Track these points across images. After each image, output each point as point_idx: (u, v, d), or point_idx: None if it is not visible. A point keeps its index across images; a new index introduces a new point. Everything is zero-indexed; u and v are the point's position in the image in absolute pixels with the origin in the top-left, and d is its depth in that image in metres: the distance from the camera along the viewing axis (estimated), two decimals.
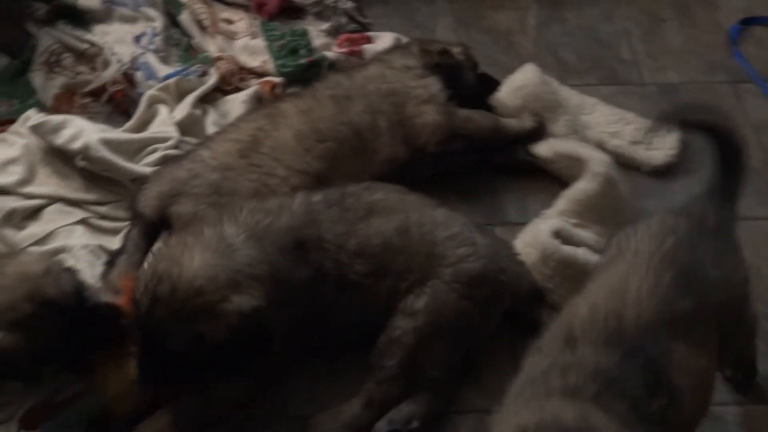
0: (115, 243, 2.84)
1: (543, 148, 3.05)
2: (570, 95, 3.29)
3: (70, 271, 2.38)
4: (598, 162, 2.88)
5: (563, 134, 3.10)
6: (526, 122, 3.11)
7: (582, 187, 2.83)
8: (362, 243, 2.41)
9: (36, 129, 3.05)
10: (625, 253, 2.05)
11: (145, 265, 2.37)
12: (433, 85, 3.00)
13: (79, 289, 2.33)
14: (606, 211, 2.80)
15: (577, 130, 3.14)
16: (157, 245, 2.72)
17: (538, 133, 3.11)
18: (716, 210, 2.15)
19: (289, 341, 2.32)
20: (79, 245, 2.81)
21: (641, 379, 1.82)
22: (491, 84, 3.24)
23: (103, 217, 2.95)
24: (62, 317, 2.26)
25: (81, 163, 2.98)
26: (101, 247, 2.83)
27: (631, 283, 1.94)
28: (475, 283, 2.40)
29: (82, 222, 2.92)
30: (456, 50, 3.18)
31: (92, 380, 2.38)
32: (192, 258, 2.20)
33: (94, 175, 3.01)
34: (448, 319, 2.37)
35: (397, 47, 3.32)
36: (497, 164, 3.12)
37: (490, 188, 3.08)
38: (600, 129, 3.19)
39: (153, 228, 2.76)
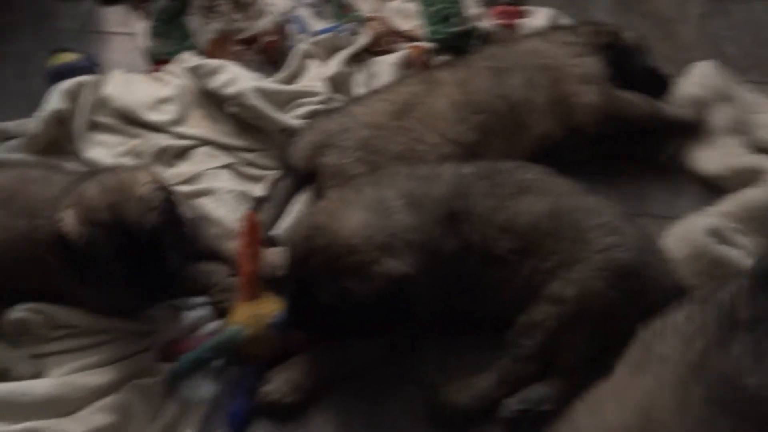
0: (258, 190, 2.89)
1: (715, 165, 2.92)
2: (744, 92, 3.15)
3: (162, 214, 2.32)
4: None
5: (721, 128, 2.99)
6: (688, 113, 3.00)
7: (755, 195, 2.72)
8: (510, 219, 2.37)
9: (192, 71, 3.13)
10: (651, 360, 1.88)
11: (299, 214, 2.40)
12: (594, 64, 2.92)
13: (157, 234, 2.30)
14: None
15: (745, 130, 3.02)
16: (303, 197, 2.78)
17: (696, 128, 3.00)
18: (751, 300, 1.88)
19: (429, 310, 2.32)
20: (224, 189, 2.87)
21: None
22: (661, 81, 3.09)
23: (249, 163, 3.01)
24: (127, 243, 2.26)
25: (232, 109, 3.04)
26: (245, 193, 2.89)
27: (656, 400, 1.78)
28: (622, 274, 2.33)
29: (229, 167, 2.98)
30: (628, 35, 3.08)
31: (230, 321, 2.44)
32: (351, 215, 2.22)
33: (242, 121, 3.07)
34: (594, 309, 2.31)
35: (562, 27, 3.23)
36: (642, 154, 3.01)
37: (636, 177, 3.00)
38: None
39: (302, 180, 2.80)
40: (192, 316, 2.54)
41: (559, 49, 2.95)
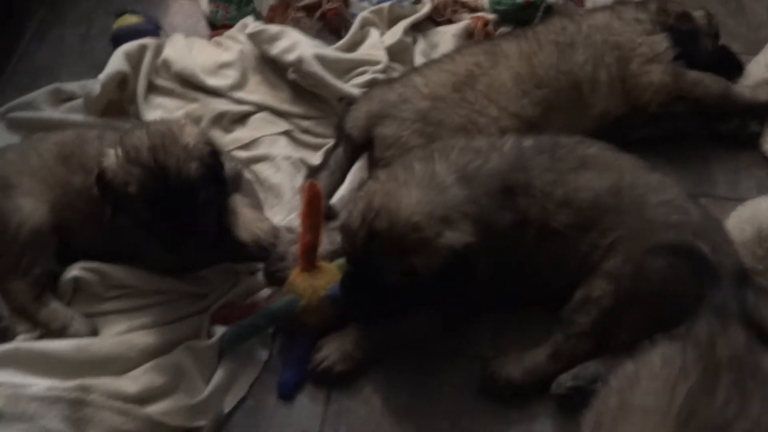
0: (315, 158, 2.89)
1: None
2: None
3: (203, 168, 2.29)
4: None
5: None
6: (762, 94, 2.92)
7: None
8: (570, 194, 2.34)
9: (253, 37, 3.12)
10: (632, 412, 1.75)
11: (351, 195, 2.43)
12: (661, 42, 2.84)
13: (193, 185, 2.26)
14: None
15: None
16: (357, 165, 2.76)
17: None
18: (725, 332, 1.80)
19: (485, 285, 2.30)
20: (281, 155, 2.87)
21: None
22: (731, 62, 3.04)
23: (306, 131, 3.00)
24: (161, 188, 2.23)
25: (292, 76, 3.03)
26: (302, 160, 2.88)
27: None
28: (684, 253, 2.28)
29: (286, 133, 2.98)
30: (698, 14, 2.99)
31: (285, 290, 2.44)
32: (407, 194, 2.20)
33: (301, 88, 3.06)
34: (651, 287, 2.27)
35: (630, 2, 3.15)
36: (723, 133, 2.94)
37: (700, 157, 2.93)
38: None
39: (357, 149, 2.78)
40: (249, 281, 2.55)
41: (629, 26, 2.88)
